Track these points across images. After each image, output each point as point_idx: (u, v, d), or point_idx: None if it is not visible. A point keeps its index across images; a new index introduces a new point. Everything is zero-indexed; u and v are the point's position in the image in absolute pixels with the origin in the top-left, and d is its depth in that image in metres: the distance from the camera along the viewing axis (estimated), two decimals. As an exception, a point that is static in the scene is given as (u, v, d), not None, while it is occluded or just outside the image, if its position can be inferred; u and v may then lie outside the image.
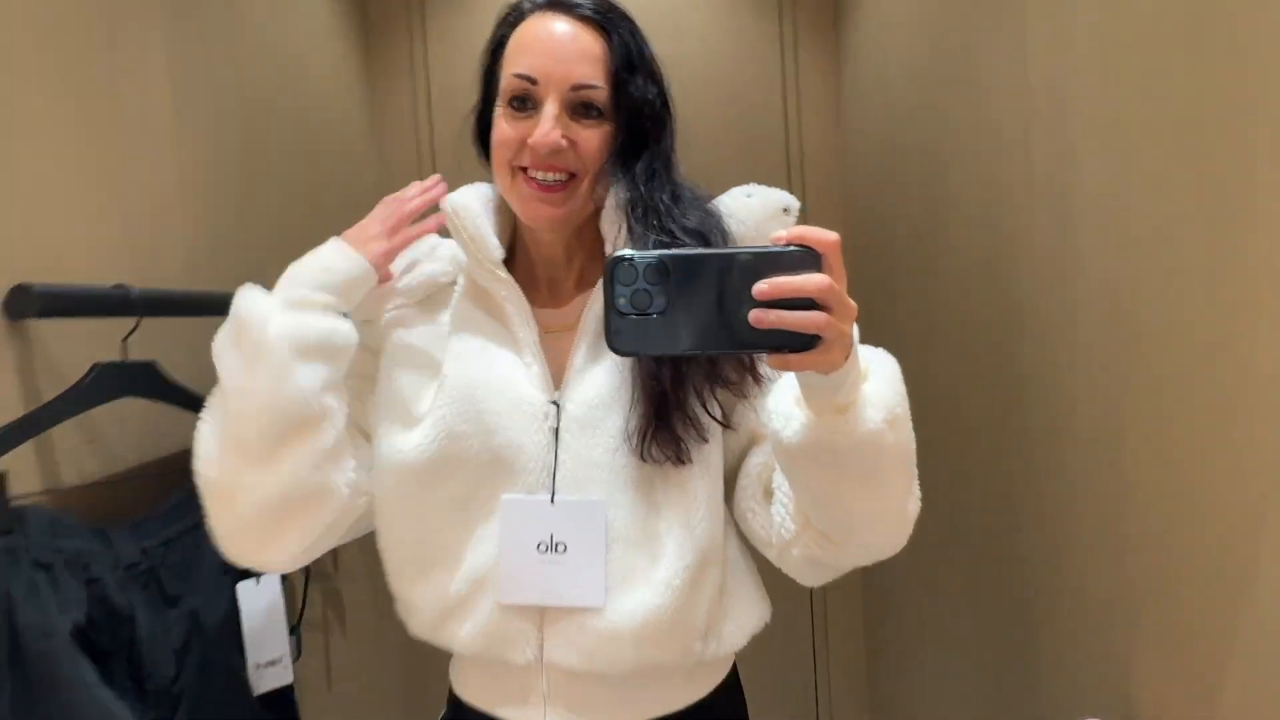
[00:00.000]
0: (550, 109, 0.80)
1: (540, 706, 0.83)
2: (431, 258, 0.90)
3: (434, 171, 1.00)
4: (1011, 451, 1.21)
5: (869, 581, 2.19)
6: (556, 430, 0.82)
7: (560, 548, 0.81)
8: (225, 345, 0.78)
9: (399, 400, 0.84)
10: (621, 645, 0.81)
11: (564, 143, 0.80)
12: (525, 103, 0.82)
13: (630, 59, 0.84)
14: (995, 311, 1.24)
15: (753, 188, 0.89)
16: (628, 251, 0.62)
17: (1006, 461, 1.23)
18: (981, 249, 1.27)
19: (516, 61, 0.83)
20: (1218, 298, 0.72)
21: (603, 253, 0.88)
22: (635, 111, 0.84)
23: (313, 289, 0.79)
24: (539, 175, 0.81)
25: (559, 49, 0.82)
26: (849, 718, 2.28)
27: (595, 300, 0.84)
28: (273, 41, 1.54)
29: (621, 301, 0.62)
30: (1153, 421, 0.83)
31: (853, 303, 0.64)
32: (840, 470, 0.71)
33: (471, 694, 0.88)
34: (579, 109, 0.82)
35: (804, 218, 0.87)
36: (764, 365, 0.83)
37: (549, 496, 0.81)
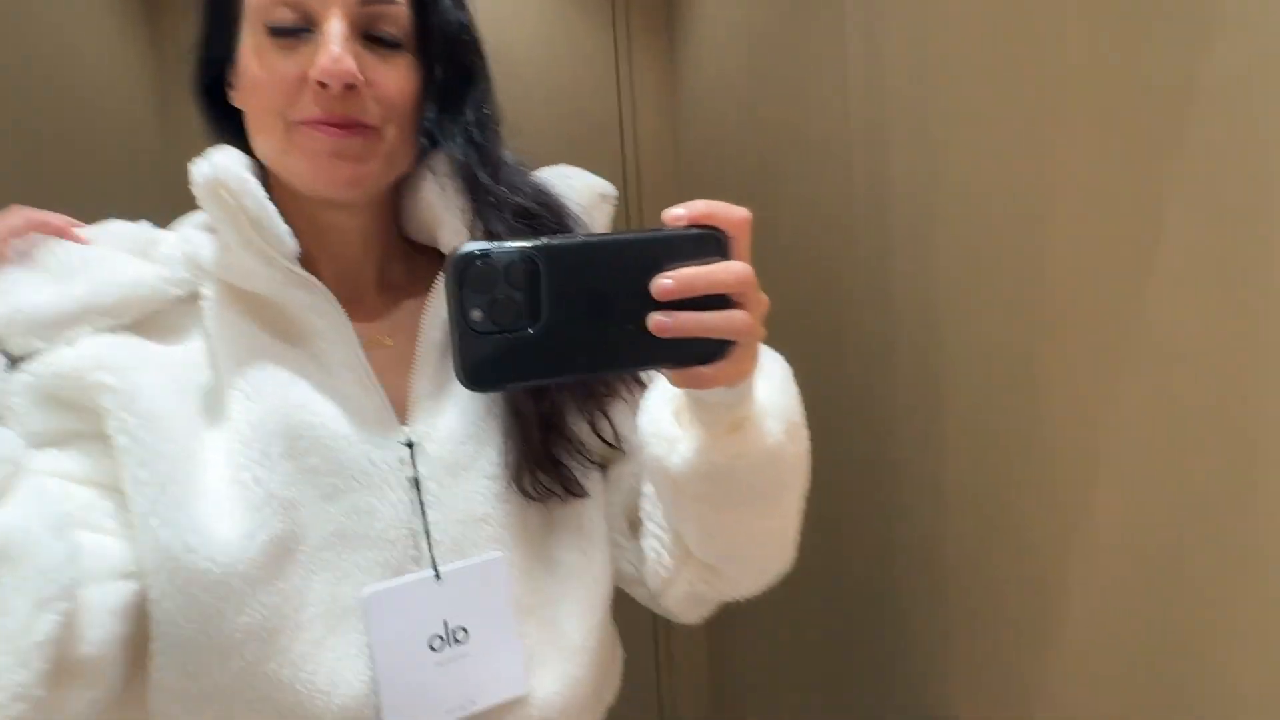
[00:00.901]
0: (336, 27, 0.57)
1: None
2: (149, 256, 0.62)
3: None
4: (836, 462, 1.21)
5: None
6: (416, 480, 0.62)
7: (459, 635, 0.61)
8: None
9: (163, 478, 0.54)
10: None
11: (360, 77, 0.58)
12: (295, 29, 0.58)
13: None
14: (820, 320, 1.24)
15: (567, 169, 0.73)
16: (479, 245, 0.44)
17: (832, 472, 1.24)
18: (807, 258, 1.27)
19: None
20: (1022, 307, 0.73)
21: (403, 244, 0.70)
22: (449, 41, 0.63)
23: None
24: (325, 134, 0.58)
25: None
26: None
27: (434, 304, 0.66)
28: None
29: (476, 316, 0.44)
30: (967, 443, 0.84)
31: (764, 296, 0.51)
32: (734, 494, 0.57)
33: None
34: (373, 38, 0.60)
35: (640, 218, 0.78)
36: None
37: (432, 572, 0.60)
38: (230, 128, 0.64)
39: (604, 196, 0.72)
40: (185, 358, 0.60)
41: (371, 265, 0.68)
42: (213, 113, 0.66)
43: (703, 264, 0.46)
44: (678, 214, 0.47)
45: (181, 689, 0.55)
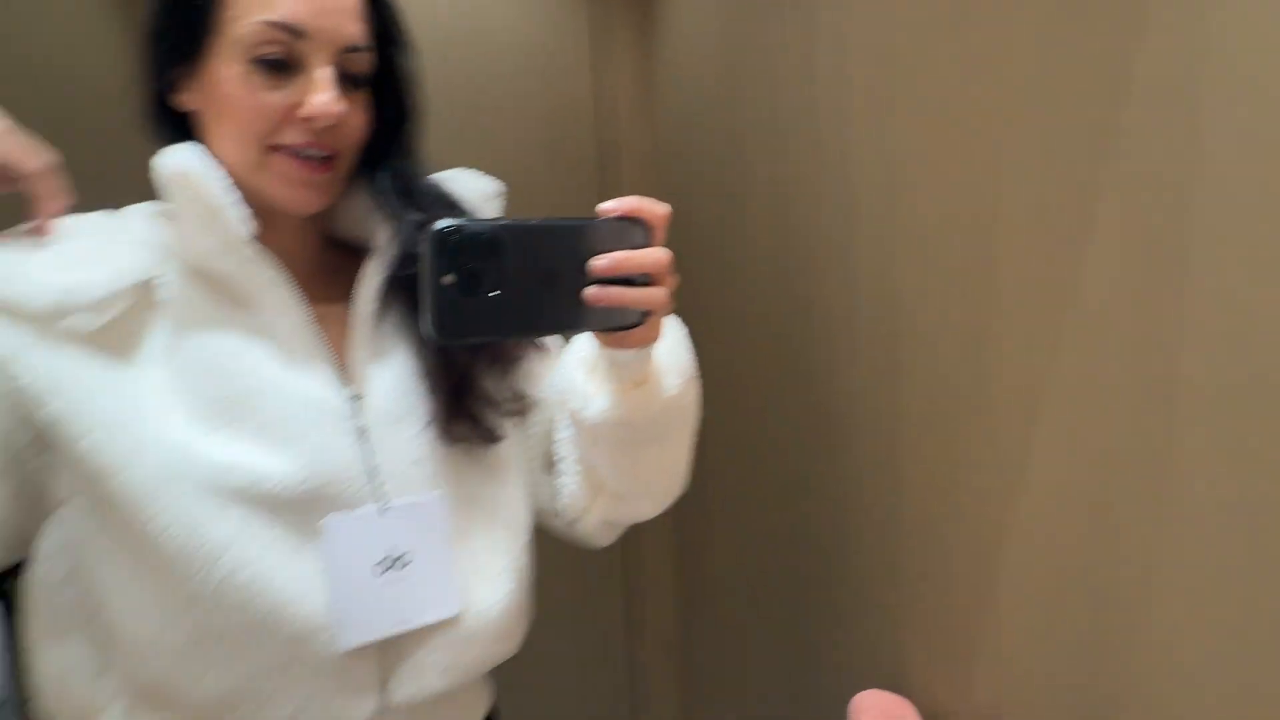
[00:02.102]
0: (326, 73, 0.66)
1: None
2: (127, 243, 0.68)
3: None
4: (800, 440, 1.26)
5: (686, 571, 2.25)
6: (363, 429, 0.71)
7: (402, 562, 0.71)
8: None
9: (215, 407, 0.66)
10: (481, 647, 0.75)
11: (344, 109, 0.67)
12: (281, 66, 0.66)
13: (391, 18, 0.74)
14: (786, 304, 1.28)
15: (454, 172, 0.81)
16: (454, 222, 0.55)
17: (795, 449, 1.28)
18: (775, 243, 1.31)
19: (265, 7, 0.64)
20: (973, 296, 0.77)
21: (321, 234, 0.80)
22: (401, 81, 0.75)
23: None
24: (308, 152, 0.68)
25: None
26: (663, 687, 2.33)
27: (364, 285, 0.75)
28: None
29: (447, 280, 0.54)
30: (922, 416, 0.88)
31: (676, 276, 0.63)
32: (639, 437, 0.70)
33: None
34: (346, 79, 0.69)
35: (615, 194, 0.86)
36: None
37: (375, 507, 0.70)
38: (170, 121, 0.71)
39: (491, 195, 0.82)
40: (137, 375, 0.66)
41: (311, 251, 0.78)
42: (162, 126, 0.72)
43: (630, 248, 0.57)
44: (610, 207, 0.59)
45: (163, 597, 0.63)
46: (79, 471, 0.64)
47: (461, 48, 2.04)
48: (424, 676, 0.72)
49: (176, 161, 0.66)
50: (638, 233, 0.59)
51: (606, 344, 0.63)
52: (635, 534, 2.20)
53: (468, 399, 0.75)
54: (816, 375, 1.18)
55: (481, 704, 0.85)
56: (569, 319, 0.58)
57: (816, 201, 1.13)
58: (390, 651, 0.71)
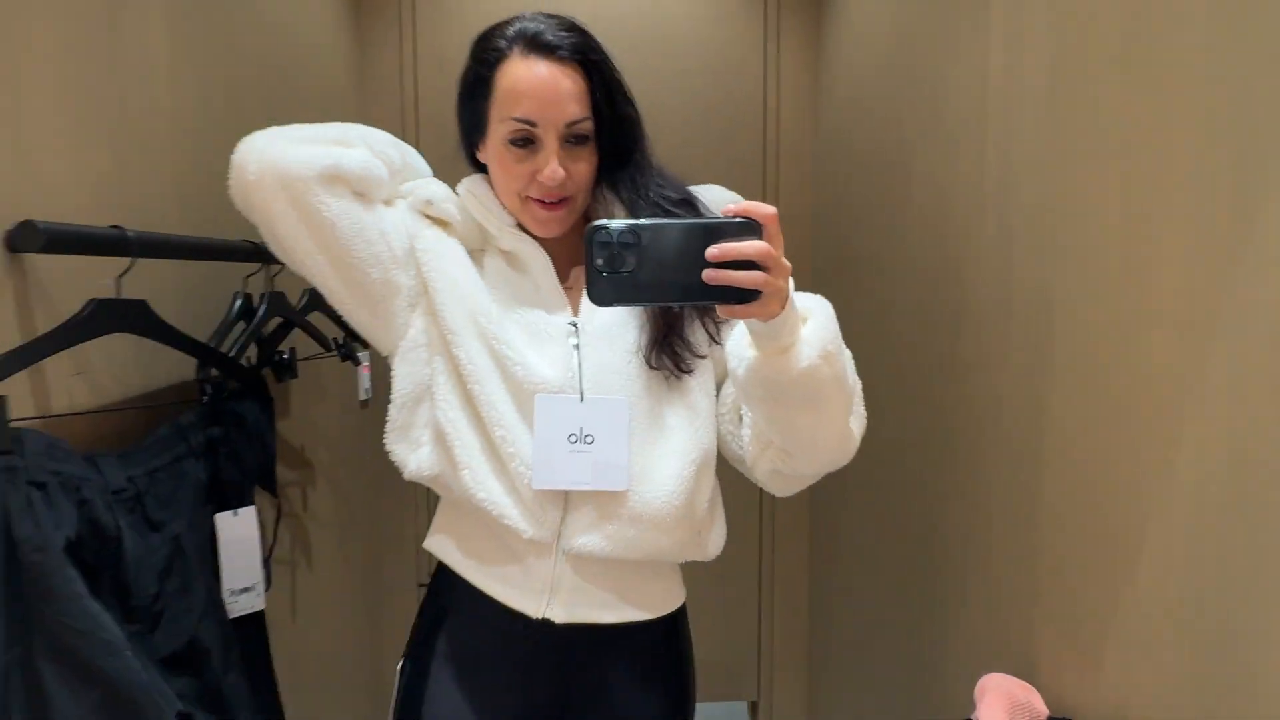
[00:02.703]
0: (551, 147, 0.94)
1: (545, 593, 0.98)
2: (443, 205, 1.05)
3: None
4: (942, 433, 1.30)
5: (815, 546, 2.30)
6: (578, 346, 0.97)
7: (589, 439, 0.94)
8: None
9: (497, 324, 0.98)
10: (640, 528, 0.95)
11: (565, 176, 0.95)
12: (527, 141, 0.95)
13: (608, 89, 0.97)
14: (937, 303, 1.32)
15: (711, 187, 1.04)
16: (605, 221, 0.75)
17: (936, 441, 1.32)
18: (933, 245, 1.35)
19: (513, 106, 0.94)
20: (1129, 302, 0.80)
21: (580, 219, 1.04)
22: (616, 132, 0.99)
23: None
24: (547, 197, 0.97)
25: (549, 93, 0.93)
26: (788, 658, 2.39)
27: None
28: (262, 6, 1.56)
29: (599, 262, 0.74)
30: (1068, 416, 0.92)
31: (787, 263, 0.77)
32: (785, 398, 0.86)
33: (473, 569, 1.02)
34: (571, 140, 0.96)
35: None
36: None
37: (579, 395, 0.95)
38: (475, 161, 1.07)
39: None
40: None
41: (568, 233, 1.04)
42: (472, 167, 1.08)
43: (739, 241, 0.74)
44: (729, 209, 0.76)
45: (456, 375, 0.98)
46: (432, 316, 1.01)
47: (646, 50, 2.16)
48: (589, 533, 0.95)
49: (466, 187, 1.04)
50: (750, 229, 0.74)
51: (726, 314, 0.78)
52: (770, 512, 2.30)
53: (670, 338, 0.97)
54: (963, 373, 1.21)
55: (658, 597, 1.04)
56: (692, 293, 0.75)
57: (978, 206, 1.16)
58: (571, 503, 0.96)
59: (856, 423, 0.95)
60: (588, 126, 0.96)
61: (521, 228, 1.02)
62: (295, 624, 1.60)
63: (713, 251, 0.74)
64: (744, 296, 0.75)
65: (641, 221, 0.75)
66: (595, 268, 0.75)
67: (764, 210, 0.75)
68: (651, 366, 0.97)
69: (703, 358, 0.99)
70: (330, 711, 1.82)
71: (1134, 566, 0.79)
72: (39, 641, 0.78)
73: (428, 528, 1.09)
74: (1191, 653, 0.71)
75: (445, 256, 1.00)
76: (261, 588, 1.12)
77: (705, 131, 2.21)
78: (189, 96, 1.25)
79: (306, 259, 0.98)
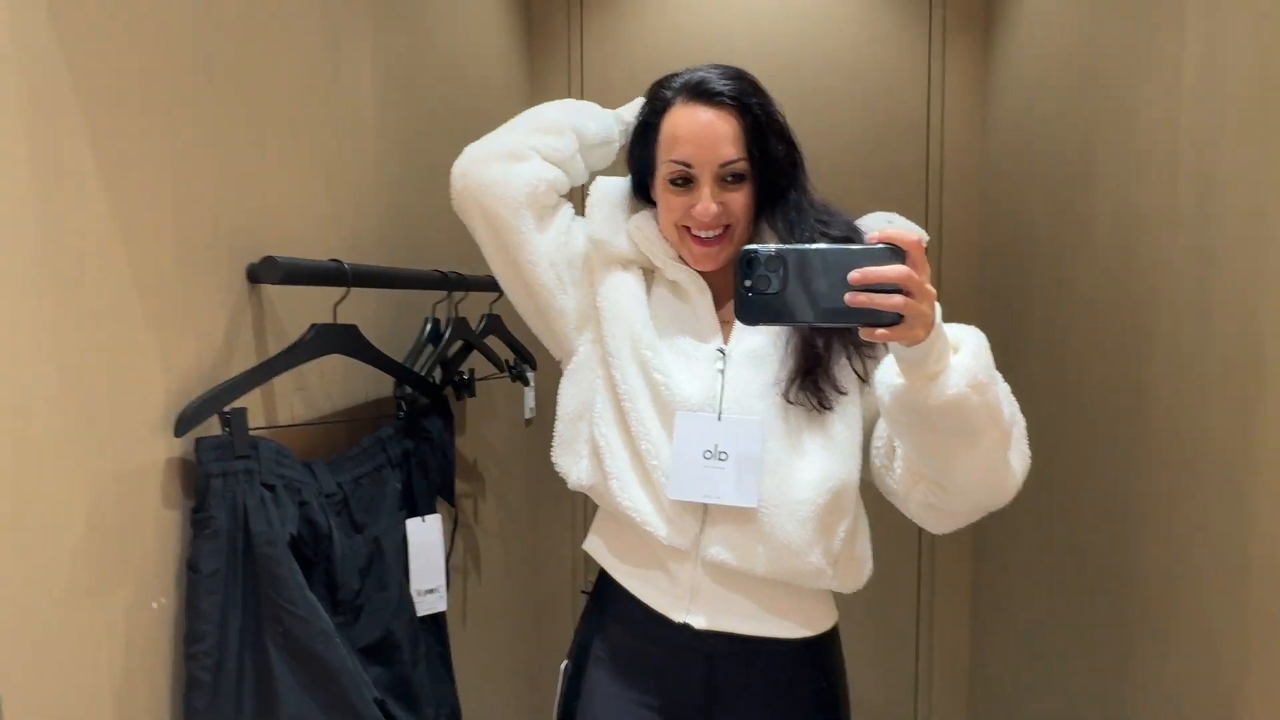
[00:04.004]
0: (706, 186, 1.02)
1: (685, 598, 1.03)
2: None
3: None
4: (1134, 467, 1.23)
5: (978, 583, 2.21)
6: (723, 370, 1.04)
7: (723, 456, 0.99)
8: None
9: (666, 347, 1.08)
10: (769, 548, 0.99)
11: (718, 208, 1.02)
12: (685, 181, 1.03)
13: (761, 130, 1.03)
14: (1127, 331, 1.25)
15: (893, 216, 1.04)
16: (753, 246, 0.80)
17: (1127, 476, 1.25)
18: (1117, 267, 1.29)
19: (673, 149, 1.03)
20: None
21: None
22: (772, 171, 1.04)
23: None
24: (702, 233, 1.04)
25: (706, 137, 1.01)
26: (948, 698, 2.30)
27: None
28: (450, 43, 1.71)
29: (747, 284, 0.79)
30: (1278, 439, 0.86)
31: (931, 289, 0.78)
32: (932, 427, 0.86)
33: (623, 570, 1.09)
34: (726, 179, 1.03)
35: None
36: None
37: (716, 415, 1.01)
38: (645, 194, 1.14)
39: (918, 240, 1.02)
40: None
41: (723, 276, 1.08)
42: (643, 201, 1.15)
43: (882, 266, 0.76)
44: (874, 236, 0.78)
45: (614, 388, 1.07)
46: (599, 337, 1.10)
47: (806, 71, 2.18)
48: (722, 544, 1.00)
49: (635, 223, 1.12)
50: (891, 255, 0.76)
51: (868, 337, 0.79)
52: (930, 545, 2.22)
53: (815, 373, 1.00)
54: (1156, 406, 1.15)
55: (801, 616, 1.05)
56: (835, 315, 0.78)
57: (1172, 228, 1.10)
58: (709, 515, 1.02)
59: (1018, 460, 0.93)
60: (742, 167, 1.02)
61: (684, 260, 1.09)
62: (465, 627, 1.71)
63: (854, 275, 0.76)
64: (886, 320, 0.77)
65: (788, 246, 0.79)
66: (744, 289, 0.79)
67: (908, 236, 0.77)
68: (790, 402, 1.01)
69: (844, 394, 1.01)
70: (495, 709, 1.93)
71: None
72: (267, 623, 0.89)
73: (581, 539, 1.17)
74: None
75: (618, 288, 1.09)
76: (444, 589, 1.22)
77: (866, 155, 2.20)
78: (389, 141, 1.39)
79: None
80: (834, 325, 0.93)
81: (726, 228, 1.04)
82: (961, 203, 2.20)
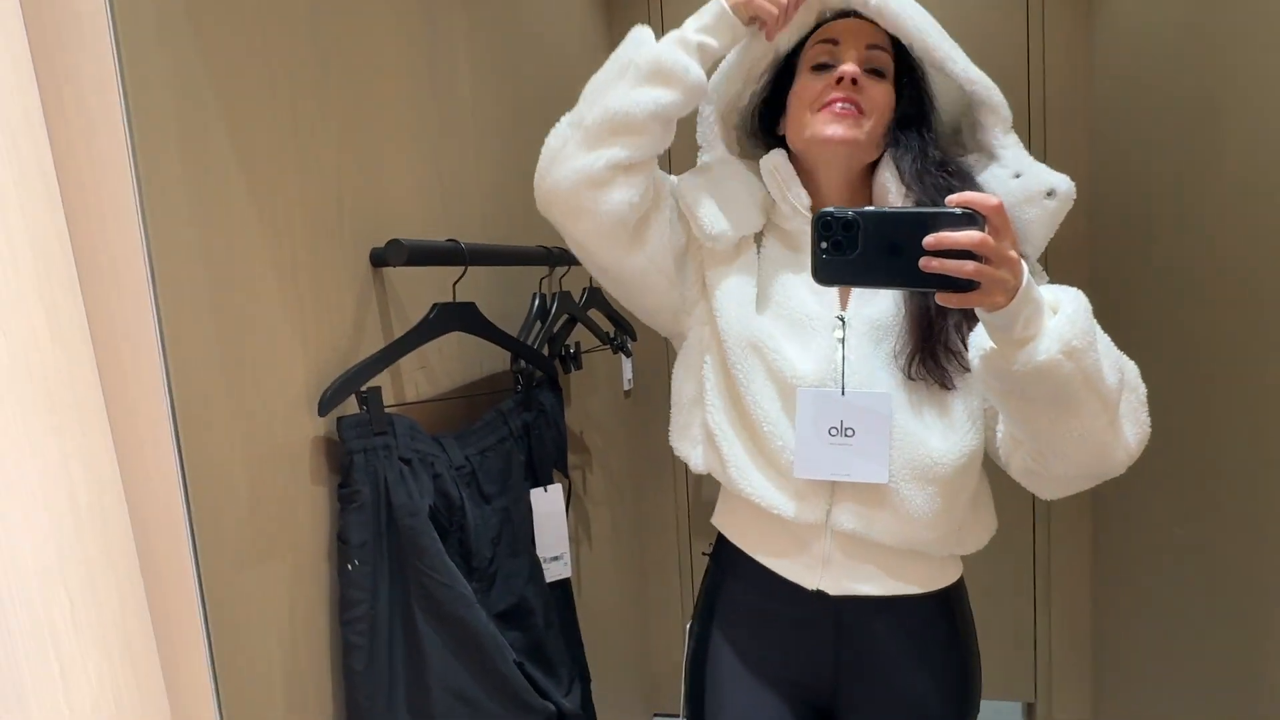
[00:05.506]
0: (851, 55, 1.01)
1: (818, 568, 1.03)
2: (749, 204, 1.09)
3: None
4: (1267, 431, 1.16)
5: (1099, 539, 2.13)
6: (843, 340, 1.00)
7: (849, 432, 0.97)
8: (612, 57, 1.04)
9: (778, 319, 1.04)
10: (900, 521, 0.98)
11: (861, 75, 0.99)
12: (827, 66, 1.02)
13: (907, 57, 1.03)
14: (1252, 305, 1.18)
15: (1025, 165, 0.99)
16: (830, 209, 0.78)
17: (1255, 461, 1.18)
18: (1246, 232, 1.20)
19: (819, 37, 1.03)
20: None
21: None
22: (914, 92, 1.02)
23: (690, 30, 1.01)
24: (838, 104, 0.99)
25: (854, 24, 1.03)
26: (1069, 658, 2.25)
27: None
28: (537, 29, 1.72)
29: (824, 245, 0.78)
30: None
31: (1013, 255, 0.75)
32: (1024, 394, 0.83)
33: (751, 544, 1.09)
34: (870, 69, 1.01)
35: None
36: None
37: (839, 389, 0.98)
38: (766, 142, 1.13)
39: (1050, 193, 0.97)
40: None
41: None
42: (762, 138, 1.14)
43: (957, 231, 0.73)
44: (952, 199, 0.75)
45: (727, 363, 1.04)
46: (709, 318, 1.07)
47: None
48: (852, 518, 0.99)
49: (772, 160, 1.07)
50: (969, 220, 0.74)
51: (944, 302, 0.77)
52: (1046, 505, 2.16)
53: (933, 348, 0.97)
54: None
55: (929, 573, 1.05)
56: (911, 279, 0.76)
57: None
58: (838, 489, 1.01)
59: (1133, 429, 0.88)
60: (887, 59, 1.02)
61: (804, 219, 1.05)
62: (580, 592, 1.75)
63: (928, 240, 0.74)
64: (962, 285, 0.75)
65: (863, 209, 0.77)
66: (819, 250, 0.78)
67: (986, 201, 0.74)
68: (910, 378, 0.98)
69: (967, 370, 0.96)
70: (613, 670, 1.98)
71: None
72: (413, 589, 0.94)
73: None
74: None
75: (728, 274, 1.06)
76: (568, 557, 1.26)
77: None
78: (485, 121, 1.41)
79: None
80: (906, 289, 0.93)
81: (860, 112, 1.00)
82: (1065, 151, 2.09)
